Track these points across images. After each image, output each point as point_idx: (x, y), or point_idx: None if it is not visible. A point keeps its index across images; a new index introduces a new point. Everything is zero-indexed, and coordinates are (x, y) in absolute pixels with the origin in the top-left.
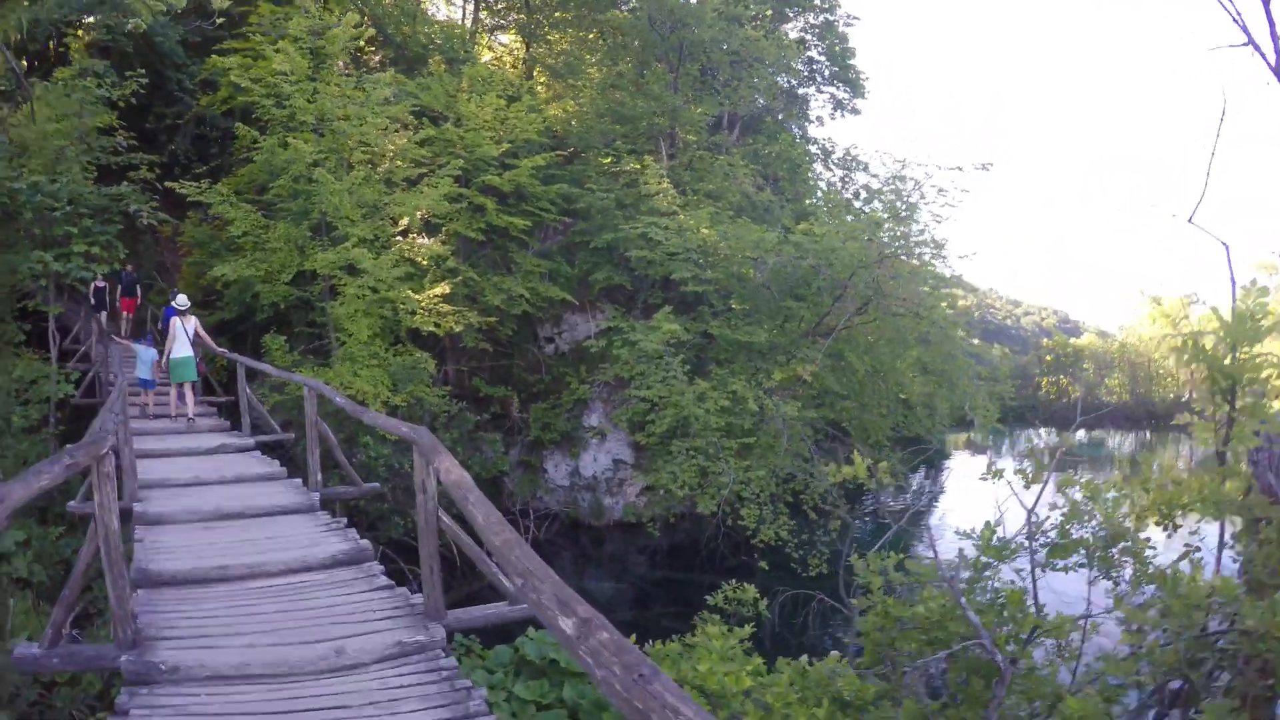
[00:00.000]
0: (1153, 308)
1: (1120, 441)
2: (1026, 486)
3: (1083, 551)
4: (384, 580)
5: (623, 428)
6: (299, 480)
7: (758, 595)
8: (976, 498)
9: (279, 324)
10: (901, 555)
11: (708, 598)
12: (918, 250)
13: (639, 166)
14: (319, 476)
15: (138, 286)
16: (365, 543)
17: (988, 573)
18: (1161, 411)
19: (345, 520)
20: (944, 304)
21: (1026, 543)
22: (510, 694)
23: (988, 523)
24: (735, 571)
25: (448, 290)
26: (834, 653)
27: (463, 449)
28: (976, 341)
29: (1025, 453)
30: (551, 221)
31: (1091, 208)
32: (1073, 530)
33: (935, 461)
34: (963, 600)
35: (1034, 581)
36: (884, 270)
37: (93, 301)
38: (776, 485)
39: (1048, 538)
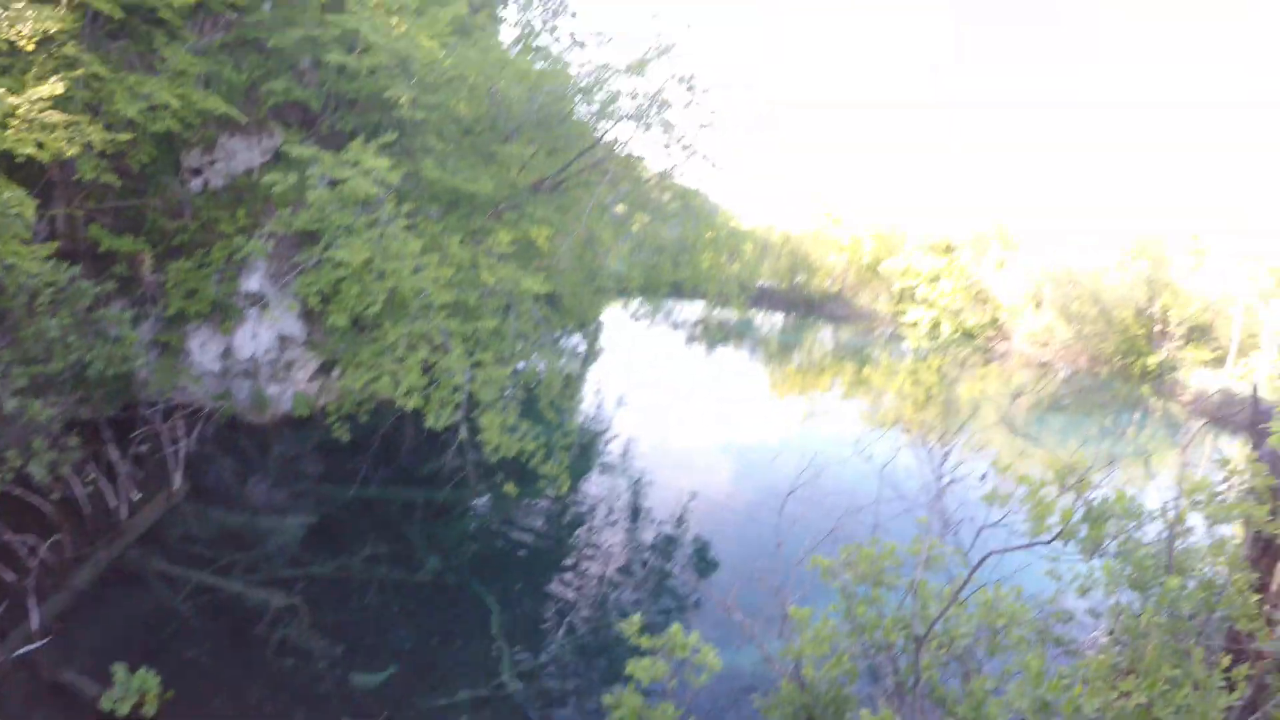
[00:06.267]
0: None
1: (771, 321)
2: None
3: None
4: None
5: (310, 301)
6: None
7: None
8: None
9: None
10: None
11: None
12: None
13: None
14: None
15: None
16: None
17: None
18: (815, 300)
19: None
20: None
21: None
22: None
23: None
24: (449, 481)
25: (60, 91)
26: None
27: (78, 337)
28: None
29: (696, 322)
30: (218, 9)
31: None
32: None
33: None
34: None
35: None
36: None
37: None
38: (510, 378)
39: None
